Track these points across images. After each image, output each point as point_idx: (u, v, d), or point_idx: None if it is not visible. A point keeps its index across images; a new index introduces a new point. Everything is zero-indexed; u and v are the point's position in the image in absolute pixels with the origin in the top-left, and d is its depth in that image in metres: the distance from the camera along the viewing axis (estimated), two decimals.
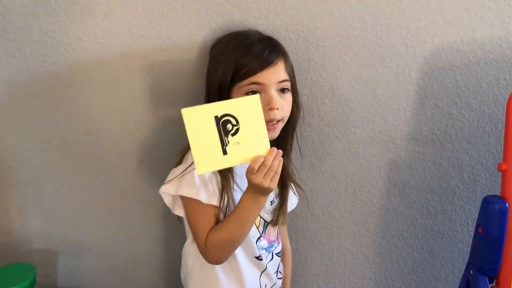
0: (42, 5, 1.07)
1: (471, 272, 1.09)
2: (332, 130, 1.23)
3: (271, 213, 1.15)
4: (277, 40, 1.09)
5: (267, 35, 1.10)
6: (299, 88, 1.17)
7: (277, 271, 1.19)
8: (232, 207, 1.05)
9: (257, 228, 1.12)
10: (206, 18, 1.10)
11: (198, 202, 1.02)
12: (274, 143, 1.09)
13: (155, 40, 1.11)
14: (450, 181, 1.28)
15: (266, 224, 1.13)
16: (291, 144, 1.15)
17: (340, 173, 1.27)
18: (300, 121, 1.20)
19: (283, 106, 1.05)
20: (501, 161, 1.05)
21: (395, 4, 1.12)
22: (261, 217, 1.12)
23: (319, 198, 1.29)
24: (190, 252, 1.11)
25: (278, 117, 1.04)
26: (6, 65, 1.11)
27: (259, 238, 1.12)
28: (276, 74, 1.03)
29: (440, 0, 1.13)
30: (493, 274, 1.06)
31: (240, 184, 1.07)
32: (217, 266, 1.08)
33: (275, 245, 1.16)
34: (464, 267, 1.13)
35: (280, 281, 1.21)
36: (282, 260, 1.22)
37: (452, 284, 1.36)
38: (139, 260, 1.31)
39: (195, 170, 1.00)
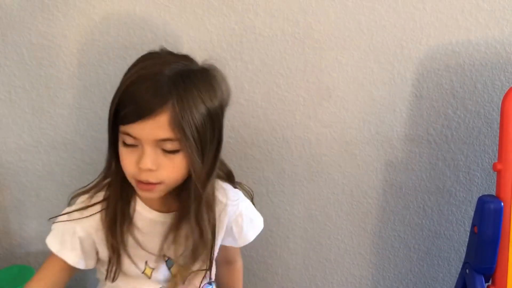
0: (40, 8, 1.08)
1: (467, 271, 1.09)
2: (329, 131, 1.23)
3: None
4: (189, 70, 0.85)
5: (181, 68, 0.84)
6: (295, 89, 1.18)
7: None
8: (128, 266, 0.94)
9: (174, 277, 0.98)
10: (203, 21, 1.11)
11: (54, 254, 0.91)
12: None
13: (153, 43, 1.11)
14: (446, 181, 1.29)
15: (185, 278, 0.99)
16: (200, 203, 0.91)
17: (337, 174, 1.27)
18: (293, 122, 1.19)
19: (164, 166, 0.83)
20: (496, 161, 1.05)
21: (390, 6, 1.13)
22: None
23: (317, 199, 1.29)
24: None
25: (154, 180, 0.84)
26: (4, 68, 1.12)
27: None
28: (153, 130, 0.80)
29: (435, 2, 1.14)
30: (489, 273, 1.06)
31: (142, 242, 0.93)
32: None
33: None
34: (460, 266, 1.13)
35: None
36: (225, 273, 1.14)
37: (449, 284, 1.36)
38: None
39: (63, 219, 0.91)
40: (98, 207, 0.92)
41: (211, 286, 1.06)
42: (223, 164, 1.03)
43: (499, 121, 1.07)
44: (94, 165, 1.20)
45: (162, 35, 1.11)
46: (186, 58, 0.89)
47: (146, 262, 0.96)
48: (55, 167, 1.20)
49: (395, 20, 1.15)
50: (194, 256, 0.95)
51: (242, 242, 1.05)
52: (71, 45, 1.11)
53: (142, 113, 0.79)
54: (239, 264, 1.16)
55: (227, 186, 1.02)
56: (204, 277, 1.01)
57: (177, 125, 0.80)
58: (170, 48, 1.11)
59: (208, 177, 0.89)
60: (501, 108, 1.05)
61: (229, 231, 1.02)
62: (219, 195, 0.99)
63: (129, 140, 0.83)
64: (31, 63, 1.12)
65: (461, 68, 1.19)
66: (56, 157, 1.20)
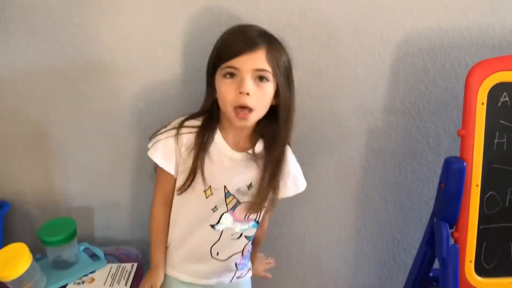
0: (75, 3, 1.09)
1: (435, 220, 1.11)
2: (320, 105, 1.24)
3: (247, 196, 1.03)
4: (277, 36, 0.97)
5: (268, 31, 0.97)
6: (292, 70, 1.17)
7: (240, 252, 1.09)
8: (199, 180, 0.99)
9: (227, 205, 1.03)
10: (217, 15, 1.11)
11: (157, 165, 1.00)
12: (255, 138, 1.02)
13: (174, 32, 1.12)
14: (418, 146, 1.30)
15: (238, 204, 1.03)
16: (286, 137, 1.02)
17: (327, 140, 1.28)
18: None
19: (257, 94, 0.91)
20: (460, 128, 1.06)
21: None
22: (234, 196, 1.02)
23: (309, 162, 1.29)
24: None
25: (250, 104, 0.91)
26: (46, 53, 1.13)
27: (224, 212, 1.03)
28: (253, 61, 0.90)
29: None
30: (453, 221, 1.08)
31: (210, 169, 0.99)
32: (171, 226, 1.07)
33: (244, 224, 1.06)
34: (429, 217, 1.15)
35: (236, 271, 1.12)
36: (257, 234, 1.13)
37: (420, 231, 1.38)
38: None
39: (163, 137, 0.99)
40: (191, 130, 0.99)
41: (256, 224, 1.09)
42: None
43: (463, 94, 1.07)
44: (124, 136, 1.22)
45: (181, 27, 1.12)
46: (260, 27, 0.98)
47: (209, 187, 1.01)
48: (91, 137, 1.22)
49: (375, 9, 1.14)
50: (257, 194, 1.02)
51: (281, 195, 1.08)
52: (102, 35, 1.12)
53: (244, 49, 0.90)
54: (266, 222, 1.19)
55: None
56: (251, 213, 1.06)
57: (271, 59, 0.91)
58: (187, 37, 1.12)
59: (291, 113, 0.98)
60: (465, 84, 1.05)
61: (284, 184, 1.06)
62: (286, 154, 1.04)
63: (230, 70, 0.91)
64: (68, 50, 1.13)
65: (432, 50, 1.19)
66: (91, 129, 1.21)
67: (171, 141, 0.99)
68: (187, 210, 1.05)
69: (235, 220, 1.05)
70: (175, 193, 1.03)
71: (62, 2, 1.09)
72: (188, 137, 0.99)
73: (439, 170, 1.10)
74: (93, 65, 1.15)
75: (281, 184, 1.05)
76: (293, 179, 1.08)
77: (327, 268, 1.45)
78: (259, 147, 1.03)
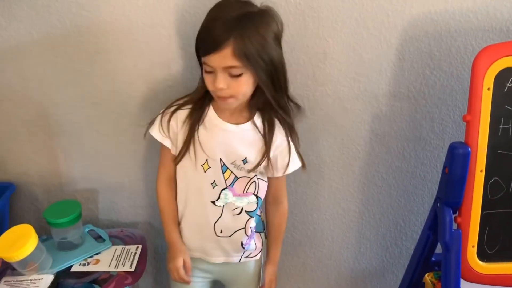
0: None
1: (439, 205, 1.10)
2: (325, 89, 1.23)
3: (244, 170, 1.06)
4: (248, 12, 0.93)
5: (242, 12, 0.92)
6: (297, 53, 1.17)
7: (243, 229, 1.11)
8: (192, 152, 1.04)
9: (225, 180, 1.06)
10: None
11: (160, 142, 1.07)
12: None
13: (175, 12, 1.11)
14: (422, 131, 1.29)
15: (236, 178, 1.07)
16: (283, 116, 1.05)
17: (331, 125, 1.27)
18: (294, 81, 1.17)
19: (232, 86, 0.94)
20: (466, 113, 1.05)
21: None
22: (230, 170, 1.05)
23: (313, 146, 1.30)
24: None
25: (225, 95, 0.96)
26: (50, 35, 1.12)
27: (224, 189, 1.06)
28: (220, 60, 0.91)
29: None
30: (456, 206, 1.07)
31: (207, 128, 1.04)
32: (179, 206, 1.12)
33: (243, 198, 1.09)
34: (431, 202, 1.15)
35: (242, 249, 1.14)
36: (273, 212, 1.17)
37: (422, 216, 1.39)
38: None
39: (162, 114, 1.06)
40: (186, 106, 1.05)
41: (255, 198, 1.10)
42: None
43: (469, 80, 1.05)
44: (127, 119, 1.22)
45: (182, 6, 1.10)
46: (247, 3, 0.96)
47: (206, 160, 1.05)
48: (94, 119, 1.21)
49: None
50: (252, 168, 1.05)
51: (279, 173, 1.10)
52: (105, 15, 1.11)
53: (210, 49, 0.91)
54: (284, 205, 1.19)
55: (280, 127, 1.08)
56: (249, 185, 1.09)
57: (239, 54, 0.90)
58: (188, 16, 1.11)
59: (278, 91, 1.00)
60: (471, 69, 1.03)
61: (274, 160, 1.08)
62: (276, 127, 1.07)
63: (207, 68, 0.95)
64: (72, 30, 1.11)
65: (438, 34, 1.17)
66: (95, 110, 1.21)
67: (167, 118, 1.05)
68: (189, 186, 1.09)
69: (234, 195, 1.08)
70: (174, 164, 1.08)
71: None
72: (182, 113, 1.05)
73: (443, 156, 1.09)
74: (97, 46, 1.13)
75: (278, 159, 1.08)
76: (291, 157, 1.08)
77: (330, 252, 1.46)
78: (257, 119, 1.06)
